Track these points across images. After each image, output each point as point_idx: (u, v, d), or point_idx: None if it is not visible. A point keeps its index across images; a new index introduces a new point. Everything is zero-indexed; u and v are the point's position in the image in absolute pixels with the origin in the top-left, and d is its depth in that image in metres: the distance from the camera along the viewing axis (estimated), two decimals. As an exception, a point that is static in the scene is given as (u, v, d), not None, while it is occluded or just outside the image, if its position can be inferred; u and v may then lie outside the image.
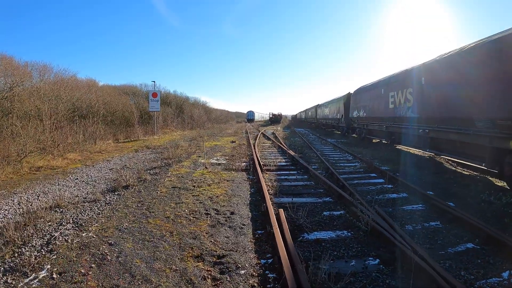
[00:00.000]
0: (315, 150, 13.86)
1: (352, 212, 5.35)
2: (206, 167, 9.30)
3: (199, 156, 11.75)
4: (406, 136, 11.61)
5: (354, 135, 20.39)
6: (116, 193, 6.48)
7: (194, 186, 6.84)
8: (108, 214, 5.14)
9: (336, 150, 14.52)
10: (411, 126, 10.97)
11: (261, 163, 9.72)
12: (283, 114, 59.57)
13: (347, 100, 20.23)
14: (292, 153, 12.05)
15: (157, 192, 6.39)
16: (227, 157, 11.53)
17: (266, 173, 8.60)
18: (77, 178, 8.11)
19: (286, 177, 8.51)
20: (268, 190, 6.62)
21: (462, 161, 9.06)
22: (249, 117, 68.43)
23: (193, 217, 4.95)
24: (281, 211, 5.00)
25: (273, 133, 26.47)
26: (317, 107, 33.53)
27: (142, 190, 6.59)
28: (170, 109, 31.00)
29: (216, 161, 10.67)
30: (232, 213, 5.27)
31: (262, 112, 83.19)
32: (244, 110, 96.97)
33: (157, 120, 24.18)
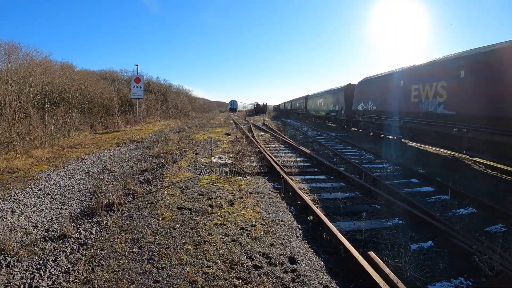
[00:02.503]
0: (326, 146, 11.93)
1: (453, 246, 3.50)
2: (212, 170, 7.05)
3: (196, 153, 9.44)
4: (432, 134, 9.96)
5: (354, 128, 18.66)
6: (94, 219, 4.17)
7: (211, 206, 4.61)
8: (82, 273, 2.87)
9: (346, 146, 12.64)
10: (442, 124, 9.30)
11: (280, 164, 7.60)
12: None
13: (349, 91, 18.37)
14: (305, 150, 10.00)
15: (158, 220, 4.11)
16: (231, 155, 9.29)
17: (291, 178, 6.50)
18: (41, 189, 5.67)
19: (318, 184, 6.49)
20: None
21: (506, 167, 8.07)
22: (232, 106, 65.63)
23: (237, 278, 2.78)
24: (374, 256, 2.97)
25: (264, 124, 24.31)
26: (307, 97, 31.58)
27: (134, 214, 4.29)
28: (153, 96, 27.98)
29: (220, 161, 8.43)
30: (292, 260, 3.17)
31: (244, 102, 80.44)
32: (224, 99, 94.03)
33: (140, 108, 21.32)
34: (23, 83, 13.02)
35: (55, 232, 3.88)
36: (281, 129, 20.05)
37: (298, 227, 4.11)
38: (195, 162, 8.09)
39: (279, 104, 67.91)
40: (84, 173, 6.89)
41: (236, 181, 6.15)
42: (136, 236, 3.60)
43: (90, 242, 3.55)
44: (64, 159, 8.31)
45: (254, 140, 12.16)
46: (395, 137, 13.39)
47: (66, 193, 5.44)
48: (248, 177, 6.66)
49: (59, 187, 5.79)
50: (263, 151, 9.42)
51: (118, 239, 3.53)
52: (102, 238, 3.61)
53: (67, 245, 3.52)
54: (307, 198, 4.95)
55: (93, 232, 3.80)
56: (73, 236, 3.71)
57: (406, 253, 3.22)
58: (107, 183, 5.92)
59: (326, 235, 3.89)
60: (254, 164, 8.10)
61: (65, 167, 7.41)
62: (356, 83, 18.24)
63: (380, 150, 11.09)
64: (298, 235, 3.85)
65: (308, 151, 9.69)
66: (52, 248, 3.45)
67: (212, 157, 8.56)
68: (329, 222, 3.96)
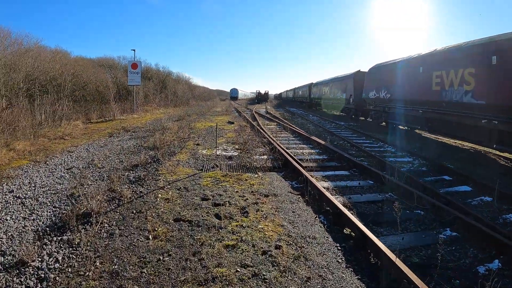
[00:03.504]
0: (340, 136, 10.84)
1: None
2: (216, 165, 5.95)
3: (197, 144, 8.33)
4: (456, 125, 8.90)
5: (362, 118, 17.51)
6: (65, 236, 3.10)
7: (218, 217, 3.51)
8: None
9: (360, 136, 11.52)
10: (469, 115, 8.25)
11: (294, 157, 6.49)
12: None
13: (358, 78, 17.12)
14: (319, 140, 8.89)
15: (148, 238, 3.02)
16: (236, 146, 8.18)
17: (311, 175, 5.40)
18: (12, 191, 4.60)
19: (343, 182, 5.44)
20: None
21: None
22: (233, 94, 63.98)
23: None
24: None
25: (268, 113, 23.12)
26: (311, 85, 30.20)
27: (117, 230, 3.21)
28: (151, 84, 26.64)
29: (225, 153, 7.33)
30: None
31: (245, 90, 78.58)
32: (224, 88, 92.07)
33: (137, 96, 20.03)
34: (7, 69, 11.81)
35: (12, 256, 2.82)
36: (286, 117, 18.86)
37: (336, 246, 3.04)
38: (196, 155, 6.99)
39: (281, 93, 66.35)
40: (67, 169, 5.80)
41: (246, 179, 5.04)
42: (116, 267, 2.52)
43: (52, 276, 2.48)
44: (48, 153, 7.20)
45: (260, 129, 11.03)
46: (410, 128, 12.34)
47: (39, 196, 4.36)
48: (260, 174, 5.56)
49: (33, 188, 4.70)
50: (272, 141, 8.31)
51: (90, 273, 2.46)
52: (70, 270, 2.54)
53: (22, 280, 2.46)
54: (338, 203, 3.86)
55: (60, 258, 2.73)
56: (33, 264, 2.65)
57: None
58: (90, 183, 4.83)
59: (375, 258, 2.84)
60: (264, 157, 7.00)
61: (47, 162, 6.30)
62: (365, 70, 17.02)
63: (397, 142, 10.01)
64: (339, 260, 2.79)
65: (322, 142, 8.58)
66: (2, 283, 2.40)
67: (216, 148, 7.46)
68: (378, 241, 2.89)
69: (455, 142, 10.63)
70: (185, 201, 4.00)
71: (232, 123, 14.51)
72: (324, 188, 4.81)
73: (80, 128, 11.08)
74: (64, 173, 5.53)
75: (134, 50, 20.36)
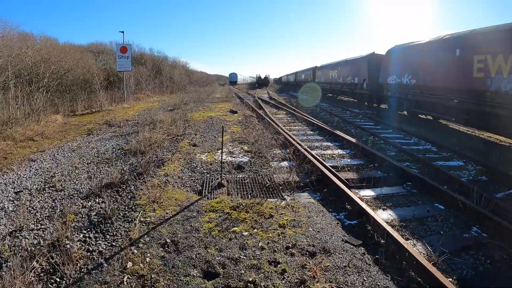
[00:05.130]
0: (365, 129, 9.07)
1: None
2: (222, 184, 4.16)
3: (194, 145, 6.50)
4: (507, 120, 7.16)
5: (375, 105, 15.61)
6: None
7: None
8: None
9: (386, 128, 9.67)
10: None
11: (330, 168, 4.70)
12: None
13: (373, 61, 15.10)
14: (346, 136, 7.09)
15: None
16: (245, 147, 6.36)
17: (361, 197, 3.63)
18: None
19: (407, 210, 3.71)
20: None
21: None
22: (232, 79, 61.34)
23: None
24: None
25: (272, 98, 21.15)
26: (315, 69, 27.97)
27: None
28: (145, 69, 24.42)
29: (231, 158, 5.53)
30: None
31: (244, 74, 75.66)
32: (223, 73, 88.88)
33: (128, 83, 17.95)
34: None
35: None
36: (294, 104, 16.92)
37: None
38: (192, 163, 5.20)
39: (281, 77, 63.74)
40: (15, 193, 4.02)
41: (271, 215, 3.25)
42: None
43: None
44: (4, 163, 5.40)
45: (271, 121, 9.18)
46: (433, 117, 10.60)
47: None
48: (288, 198, 3.80)
49: None
50: (290, 138, 6.52)
51: None
52: None
53: None
54: (443, 277, 2.13)
55: None
56: None
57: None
58: (32, 225, 3.07)
59: None
60: (285, 163, 5.26)
61: (-7, 178, 4.52)
62: (380, 52, 15.01)
63: (431, 136, 8.27)
64: None
65: (352, 140, 6.77)
66: None
67: (219, 151, 5.68)
68: None
69: (490, 137, 8.87)
70: (173, 282, 2.22)
71: (235, 112, 12.63)
72: (388, 223, 3.08)
73: (58, 124, 9.20)
74: (7, 202, 3.75)
75: (123, 32, 17.28)
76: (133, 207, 3.38)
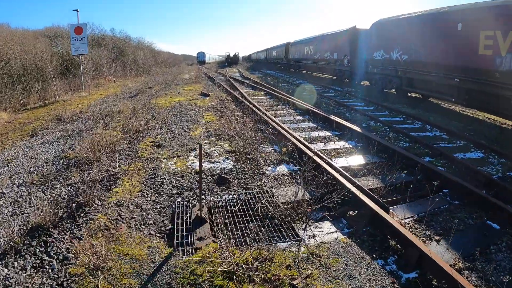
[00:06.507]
0: (356, 110, 7.95)
1: None
2: (202, 217, 2.79)
3: (159, 146, 4.95)
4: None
5: (356, 82, 14.60)
6: None
7: None
8: None
9: (380, 110, 8.62)
10: None
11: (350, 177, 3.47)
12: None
13: (354, 36, 13.90)
14: (345, 123, 5.88)
15: None
16: (225, 145, 4.94)
17: (401, 223, 2.46)
18: None
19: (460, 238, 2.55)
20: None
21: None
22: (200, 58, 58.11)
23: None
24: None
25: (245, 77, 19.47)
26: (288, 45, 26.33)
27: None
28: (106, 52, 21.43)
29: (210, 165, 4.10)
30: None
31: (212, 53, 71.95)
32: (191, 52, 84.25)
33: (86, 68, 15.35)
34: None
35: None
36: (270, 82, 15.46)
37: None
38: (156, 178, 3.71)
39: (250, 54, 61.20)
40: None
41: (290, 279, 1.99)
42: None
43: None
44: None
45: (251, 106, 7.73)
46: (423, 96, 9.84)
47: None
48: (306, 238, 2.53)
49: None
50: (289, 135, 5.19)
51: None
52: None
53: None
54: None
55: None
56: None
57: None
58: None
59: None
60: (283, 170, 3.97)
61: None
62: (362, 27, 13.83)
63: (431, 119, 7.41)
64: None
65: (354, 127, 5.59)
66: None
67: (186, 154, 4.21)
68: None
69: (494, 119, 8.17)
70: None
71: (207, 95, 10.99)
72: (455, 268, 1.94)
73: (1, 124, 7.06)
74: None
75: (77, 10, 13.84)
76: (63, 283, 1.92)
